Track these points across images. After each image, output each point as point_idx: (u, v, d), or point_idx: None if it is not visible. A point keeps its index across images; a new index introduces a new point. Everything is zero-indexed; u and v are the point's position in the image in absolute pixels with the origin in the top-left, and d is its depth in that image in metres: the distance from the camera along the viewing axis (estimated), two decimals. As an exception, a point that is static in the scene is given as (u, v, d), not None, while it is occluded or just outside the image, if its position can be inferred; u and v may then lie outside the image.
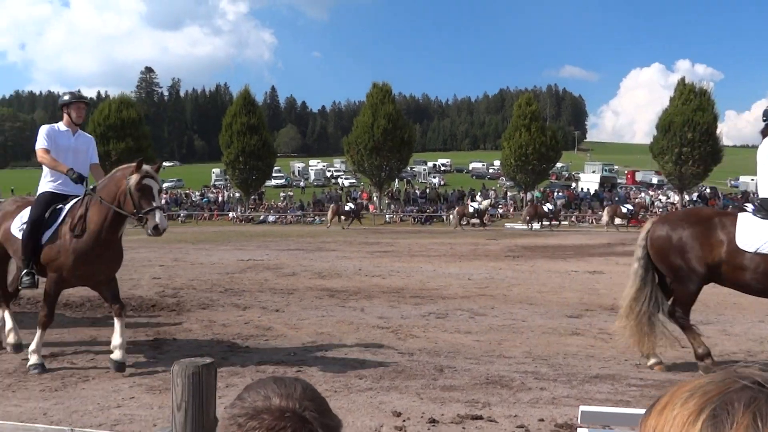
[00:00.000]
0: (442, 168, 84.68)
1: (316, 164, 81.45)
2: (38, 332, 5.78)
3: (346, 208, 36.28)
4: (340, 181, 66.80)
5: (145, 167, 5.78)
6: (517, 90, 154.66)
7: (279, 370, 5.77)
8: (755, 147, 6.07)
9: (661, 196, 43.32)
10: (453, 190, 50.18)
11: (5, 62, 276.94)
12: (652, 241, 5.91)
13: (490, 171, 76.67)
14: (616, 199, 43.54)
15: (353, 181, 63.30)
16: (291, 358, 6.20)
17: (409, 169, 61.46)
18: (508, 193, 49.07)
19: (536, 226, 33.68)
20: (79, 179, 6.03)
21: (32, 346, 5.76)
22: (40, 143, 6.15)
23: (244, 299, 9.59)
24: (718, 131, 41.37)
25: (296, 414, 0.97)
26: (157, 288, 10.67)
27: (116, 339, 5.76)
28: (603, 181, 53.26)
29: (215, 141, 53.14)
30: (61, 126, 6.26)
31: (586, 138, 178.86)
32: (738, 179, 71.54)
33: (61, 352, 6.32)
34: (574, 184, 55.17)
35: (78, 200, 6.00)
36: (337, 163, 80.00)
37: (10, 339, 6.13)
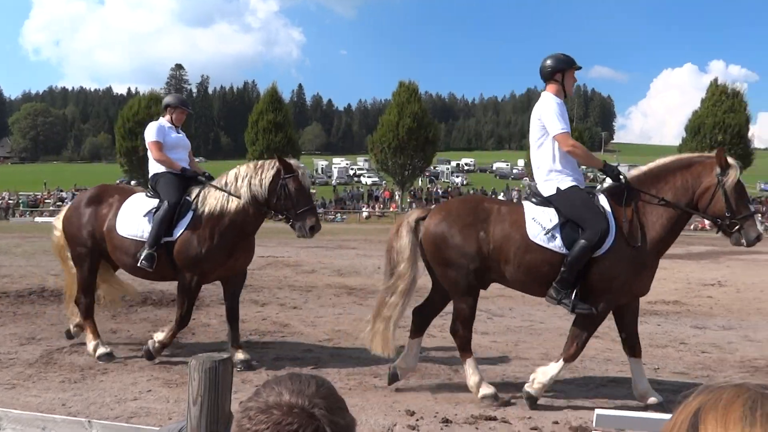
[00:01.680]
0: (466, 167, 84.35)
1: (339, 162, 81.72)
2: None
3: None
4: (362, 179, 66.92)
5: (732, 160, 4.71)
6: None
7: (294, 366, 5.81)
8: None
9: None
10: (475, 190, 49.91)
11: (39, 58, 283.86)
12: None
13: (514, 171, 76.09)
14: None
15: (376, 179, 63.36)
16: (307, 356, 6.23)
17: (432, 168, 61.34)
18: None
19: None
20: (618, 174, 4.90)
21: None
22: (563, 124, 4.81)
23: (263, 296, 9.66)
24: (749, 134, 40.64)
25: (305, 410, 0.99)
26: (178, 282, 10.79)
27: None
28: (629, 183, 52.49)
29: (241, 138, 53.63)
30: (558, 100, 4.98)
31: (613, 139, 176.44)
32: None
33: (82, 343, 6.43)
34: (598, 185, 54.47)
35: (608, 199, 4.81)
36: (361, 162, 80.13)
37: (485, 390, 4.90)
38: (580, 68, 5.09)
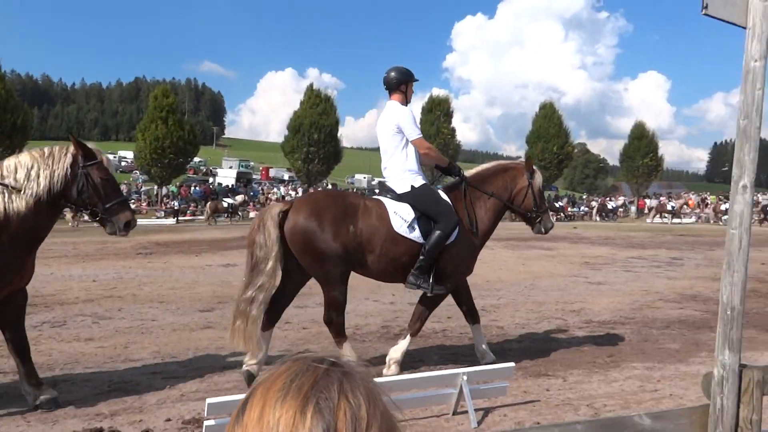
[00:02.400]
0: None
1: None
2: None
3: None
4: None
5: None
6: (154, 80, 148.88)
7: None
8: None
9: (291, 191, 46.66)
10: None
11: None
12: None
13: (123, 164, 71.77)
14: (251, 194, 45.26)
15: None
16: None
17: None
18: (143, 188, 46.72)
19: None
20: (460, 172, 5.68)
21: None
22: (418, 130, 5.41)
23: None
24: (339, 134, 46.59)
25: None
26: None
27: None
28: (239, 177, 54.97)
29: None
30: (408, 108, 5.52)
31: (224, 134, 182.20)
32: (354, 176, 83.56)
33: None
34: (211, 179, 55.57)
35: (446, 193, 5.50)
36: None
37: None
38: (418, 81, 5.64)
